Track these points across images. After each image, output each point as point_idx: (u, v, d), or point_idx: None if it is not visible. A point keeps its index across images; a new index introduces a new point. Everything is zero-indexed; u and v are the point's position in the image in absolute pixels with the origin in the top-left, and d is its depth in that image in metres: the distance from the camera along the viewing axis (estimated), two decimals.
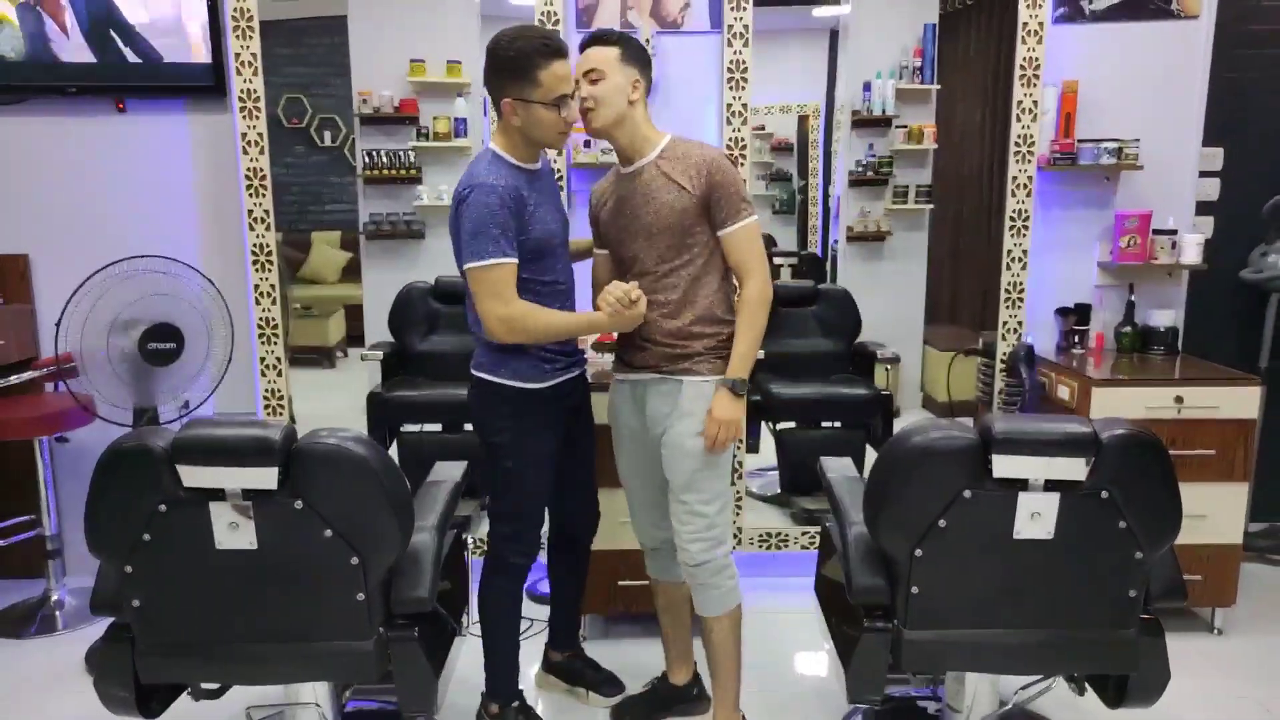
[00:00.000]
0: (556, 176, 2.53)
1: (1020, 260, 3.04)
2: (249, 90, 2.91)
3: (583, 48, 2.12)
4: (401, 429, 3.25)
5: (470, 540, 3.05)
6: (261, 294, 3.02)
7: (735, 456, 2.24)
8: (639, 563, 2.79)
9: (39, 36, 2.99)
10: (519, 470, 2.20)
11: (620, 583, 2.80)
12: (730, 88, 2.97)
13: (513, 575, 2.27)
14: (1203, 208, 3.25)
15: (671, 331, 2.13)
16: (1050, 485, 1.76)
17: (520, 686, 2.37)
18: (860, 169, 3.30)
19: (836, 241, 3.39)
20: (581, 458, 2.39)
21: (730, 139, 3.00)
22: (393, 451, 3.21)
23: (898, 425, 3.20)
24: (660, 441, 2.18)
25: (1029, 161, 2.99)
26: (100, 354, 2.58)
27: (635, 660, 2.76)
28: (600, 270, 2.32)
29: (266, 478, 1.69)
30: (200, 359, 2.73)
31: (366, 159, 3.20)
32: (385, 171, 3.21)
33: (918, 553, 1.82)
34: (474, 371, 2.19)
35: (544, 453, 2.22)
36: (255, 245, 2.99)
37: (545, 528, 2.40)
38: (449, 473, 2.30)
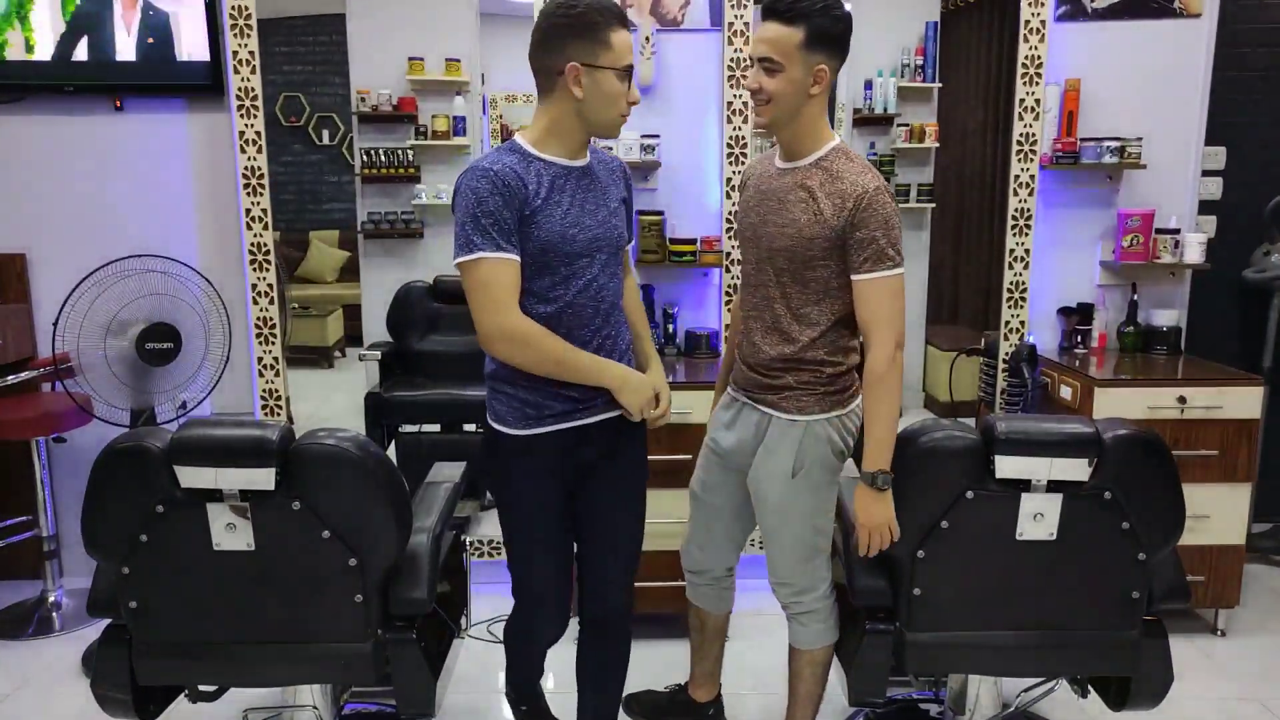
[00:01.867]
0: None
1: (1022, 259, 3.03)
2: (247, 88, 2.90)
3: (763, 14, 1.78)
4: (400, 429, 3.24)
5: (469, 541, 3.04)
6: (259, 293, 3.00)
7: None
8: (641, 563, 2.78)
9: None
10: (508, 530, 1.91)
11: None
12: (731, 85, 2.96)
13: (530, 639, 2.01)
14: (1205, 207, 3.24)
15: (763, 361, 1.94)
16: (1053, 486, 1.76)
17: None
18: None
19: None
20: (612, 523, 1.96)
21: (731, 137, 2.98)
22: (391, 452, 3.20)
23: (899, 426, 3.18)
24: (741, 470, 2.04)
25: (1031, 160, 2.98)
26: (97, 354, 2.57)
27: (636, 660, 2.75)
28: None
29: (264, 478, 1.68)
30: (198, 359, 2.72)
31: (365, 157, 3.19)
32: (383, 170, 3.19)
33: (920, 554, 1.81)
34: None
35: (529, 514, 1.87)
36: (253, 244, 2.98)
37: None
38: (448, 473, 2.29)
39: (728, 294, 3.07)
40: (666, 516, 2.74)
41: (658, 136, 3.03)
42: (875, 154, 3.23)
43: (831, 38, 1.77)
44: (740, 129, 2.97)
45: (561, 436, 1.82)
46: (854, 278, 1.80)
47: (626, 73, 1.72)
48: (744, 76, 2.93)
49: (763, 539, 2.06)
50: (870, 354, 1.81)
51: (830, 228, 1.79)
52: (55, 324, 2.51)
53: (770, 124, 1.84)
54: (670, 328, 3.16)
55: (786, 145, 1.88)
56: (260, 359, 3.05)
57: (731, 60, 2.94)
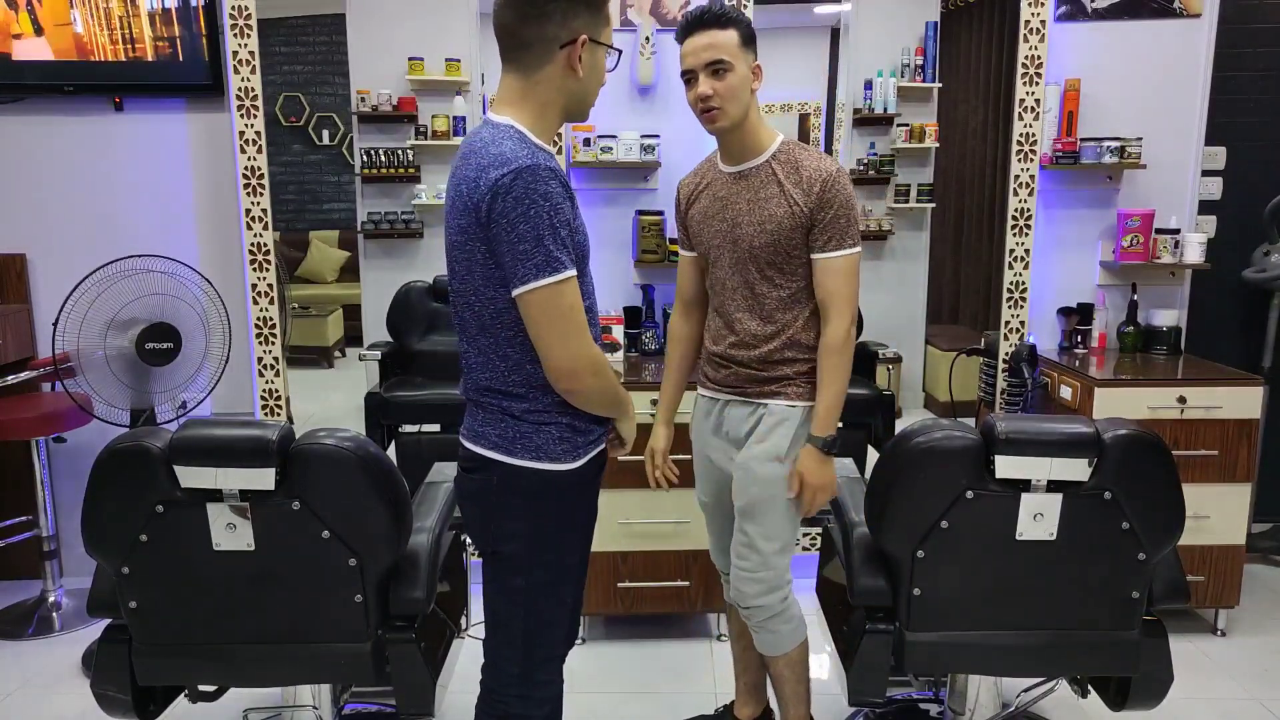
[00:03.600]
0: None
1: (1022, 259, 3.03)
2: (247, 88, 2.90)
3: (689, 30, 1.85)
4: (400, 429, 3.24)
5: (469, 541, 3.03)
6: (259, 293, 3.00)
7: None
8: (639, 564, 2.79)
9: None
10: (533, 592, 1.63)
11: (620, 584, 2.79)
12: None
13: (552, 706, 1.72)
14: (1205, 207, 3.24)
15: (754, 359, 1.95)
16: (1053, 486, 1.75)
17: None
18: (861, 168, 3.28)
19: None
20: (585, 565, 1.80)
21: None
22: (391, 452, 3.20)
23: (899, 425, 3.19)
24: (734, 464, 2.02)
25: (1031, 160, 2.98)
26: (97, 354, 2.57)
27: (636, 662, 2.75)
28: (685, 275, 2.11)
29: (264, 478, 1.68)
30: (197, 358, 2.72)
31: (365, 157, 3.19)
32: (384, 170, 3.19)
33: (920, 554, 1.81)
34: (473, 446, 1.59)
35: (569, 564, 1.66)
36: (253, 244, 2.98)
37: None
38: (448, 473, 2.29)
39: None
40: (665, 516, 2.74)
41: (658, 136, 3.03)
42: (875, 154, 3.24)
43: (752, 38, 1.88)
44: None
45: (596, 463, 1.65)
46: (816, 256, 1.88)
47: (615, 52, 1.61)
48: None
49: (743, 526, 1.98)
50: (828, 328, 1.89)
51: (804, 215, 1.85)
52: (55, 324, 2.51)
53: (729, 127, 1.87)
54: None
55: (736, 149, 1.93)
56: (260, 359, 3.05)
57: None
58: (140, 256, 2.66)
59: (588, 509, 1.69)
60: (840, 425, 1.94)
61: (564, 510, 1.61)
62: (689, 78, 1.88)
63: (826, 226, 1.85)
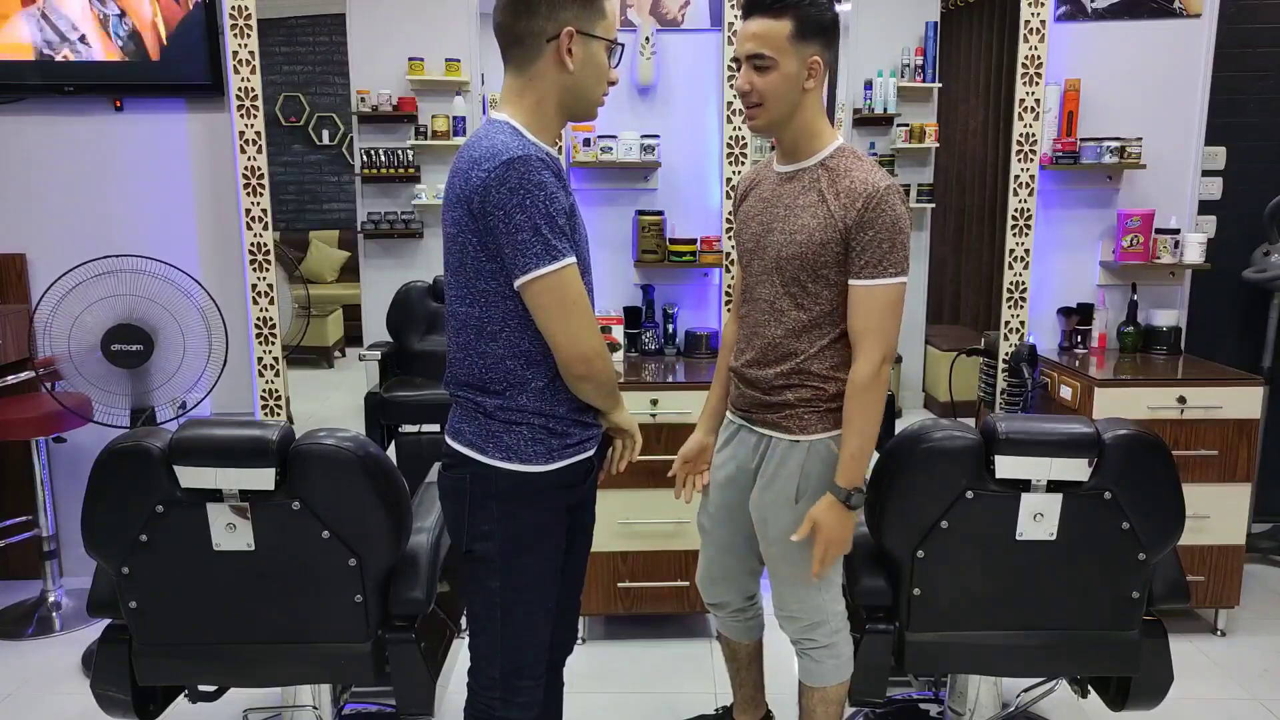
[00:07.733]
0: None
1: (1023, 259, 3.03)
2: (246, 89, 2.90)
3: (745, 11, 1.71)
4: (400, 429, 3.24)
5: None
6: (259, 293, 3.00)
7: None
8: (639, 564, 2.79)
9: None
10: (509, 595, 1.61)
11: (620, 584, 2.79)
12: (731, 85, 2.96)
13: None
14: (1205, 207, 3.24)
15: (762, 381, 1.83)
16: (1053, 486, 1.76)
17: None
18: None
19: None
20: (576, 571, 1.80)
21: (731, 137, 2.98)
22: (391, 452, 3.20)
23: (899, 426, 3.18)
24: (743, 495, 1.92)
25: (1031, 160, 2.98)
26: (65, 356, 2.54)
27: (636, 662, 2.75)
28: (739, 274, 1.98)
29: (264, 478, 1.68)
30: (176, 359, 2.65)
31: (365, 158, 3.19)
32: (383, 170, 3.19)
33: (920, 554, 1.81)
34: (451, 443, 1.60)
35: (545, 569, 1.63)
36: (253, 244, 2.98)
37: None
38: None
39: (727, 294, 3.07)
40: (664, 517, 2.74)
41: (658, 136, 3.03)
42: (875, 154, 3.24)
43: (821, 26, 1.69)
44: (740, 129, 2.97)
45: (576, 470, 1.62)
46: (851, 282, 1.71)
47: (615, 47, 1.58)
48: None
49: (767, 570, 1.95)
50: (855, 363, 1.72)
51: (838, 230, 1.69)
52: (30, 324, 2.49)
53: (766, 127, 1.75)
54: (670, 328, 3.16)
55: (788, 147, 1.79)
56: (260, 359, 3.05)
57: (732, 60, 2.94)
58: (117, 256, 2.61)
59: (570, 515, 1.65)
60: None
61: (539, 514, 1.59)
62: (737, 64, 1.75)
63: (865, 249, 1.67)
